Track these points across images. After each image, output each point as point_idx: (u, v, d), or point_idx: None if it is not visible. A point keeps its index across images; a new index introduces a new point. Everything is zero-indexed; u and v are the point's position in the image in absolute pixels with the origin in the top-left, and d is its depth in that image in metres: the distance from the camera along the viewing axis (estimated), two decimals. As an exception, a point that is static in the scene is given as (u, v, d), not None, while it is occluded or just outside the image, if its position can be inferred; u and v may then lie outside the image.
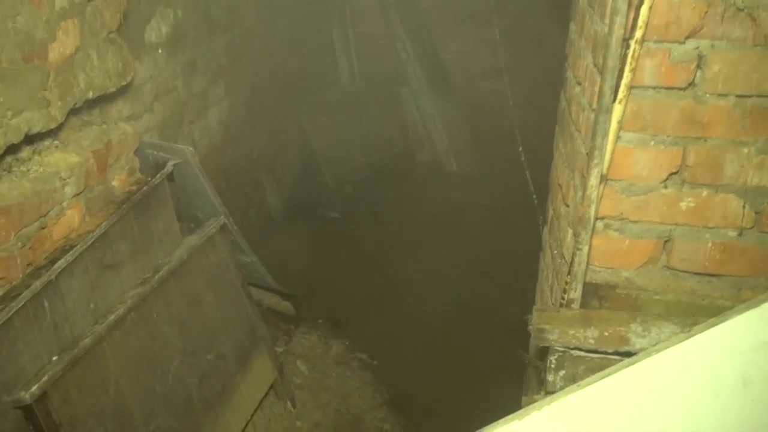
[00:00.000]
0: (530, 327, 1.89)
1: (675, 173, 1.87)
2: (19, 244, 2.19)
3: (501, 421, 1.42)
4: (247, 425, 3.03)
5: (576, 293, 1.95)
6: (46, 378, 2.09)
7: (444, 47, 6.06)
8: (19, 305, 2.11)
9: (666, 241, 1.94)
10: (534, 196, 3.20)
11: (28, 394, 2.03)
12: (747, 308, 1.36)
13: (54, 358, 2.18)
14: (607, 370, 1.40)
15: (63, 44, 2.33)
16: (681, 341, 1.39)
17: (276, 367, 3.32)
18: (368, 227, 5.16)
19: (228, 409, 2.93)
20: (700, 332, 1.37)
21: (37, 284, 2.19)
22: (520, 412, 1.43)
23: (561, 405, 1.37)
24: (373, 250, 4.90)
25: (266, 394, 3.22)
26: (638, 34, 1.74)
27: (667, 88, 1.81)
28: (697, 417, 1.32)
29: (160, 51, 3.49)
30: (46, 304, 2.23)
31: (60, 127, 2.43)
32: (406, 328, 4.06)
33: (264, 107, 5.04)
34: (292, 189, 5.51)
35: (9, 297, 2.12)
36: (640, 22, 1.72)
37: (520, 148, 3.63)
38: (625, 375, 1.35)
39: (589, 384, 1.38)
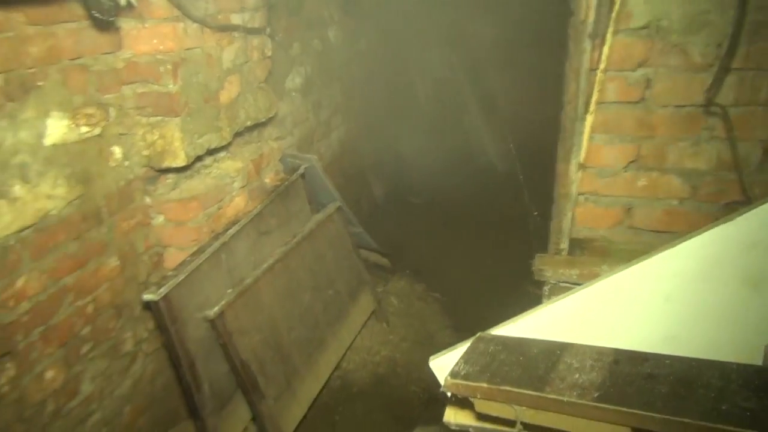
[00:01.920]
0: (533, 267, 1.91)
1: (633, 161, 1.84)
2: (205, 218, 2.35)
3: (504, 323, 1.44)
4: (356, 337, 3.11)
5: (564, 245, 1.94)
6: (223, 303, 2.22)
7: (491, 82, 5.98)
8: (206, 257, 2.27)
9: (628, 209, 1.90)
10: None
11: (212, 312, 2.17)
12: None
13: (228, 291, 2.30)
14: (577, 288, 1.39)
15: (229, 91, 2.47)
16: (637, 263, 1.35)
17: (375, 300, 3.38)
18: (441, 208, 5.18)
19: (343, 327, 3.01)
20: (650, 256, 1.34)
21: (216, 244, 2.33)
22: (517, 317, 1.45)
23: (543, 311, 1.37)
24: (444, 222, 4.93)
25: (369, 318, 3.29)
26: (602, 66, 1.73)
27: (625, 103, 1.79)
28: (629, 318, 1.30)
29: (295, 94, 3.61)
30: (223, 256, 2.38)
31: (229, 144, 2.56)
32: (467, 275, 4.07)
33: (369, 128, 5.09)
34: (389, 184, 5.56)
35: (199, 252, 2.28)
36: (603, 57, 1.71)
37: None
38: (587, 291, 1.34)
39: (564, 297, 1.38)
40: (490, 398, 1.07)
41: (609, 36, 1.67)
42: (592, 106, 1.76)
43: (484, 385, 1.08)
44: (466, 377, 1.11)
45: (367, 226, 3.92)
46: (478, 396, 1.09)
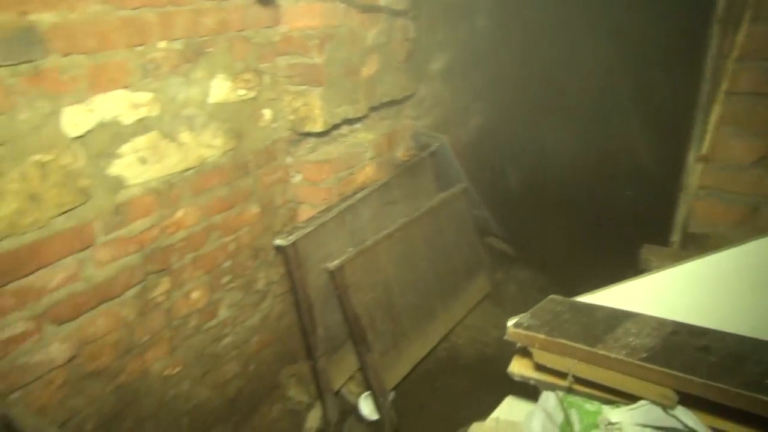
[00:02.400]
0: (641, 257, 1.87)
1: (764, 157, 1.72)
2: (336, 181, 2.60)
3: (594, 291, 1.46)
4: (467, 315, 3.20)
5: (676, 237, 1.87)
6: (343, 258, 2.43)
7: (650, 79, 5.64)
8: (332, 215, 2.51)
9: (755, 209, 1.78)
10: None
11: (332, 265, 2.40)
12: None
13: (349, 249, 2.51)
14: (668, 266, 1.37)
15: (369, 68, 2.68)
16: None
17: (492, 283, 3.44)
18: (579, 206, 5.01)
19: (456, 302, 3.12)
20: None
21: (343, 205, 2.57)
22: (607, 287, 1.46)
23: (629, 284, 1.38)
24: (580, 221, 4.77)
25: (483, 299, 3.36)
26: (735, 53, 1.64)
27: (758, 94, 1.67)
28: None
29: (435, 77, 3.75)
30: (348, 217, 2.60)
31: (365, 117, 2.78)
32: (594, 276, 3.94)
33: (511, 119, 5.07)
34: (526, 176, 5.49)
35: (327, 210, 2.53)
36: (737, 44, 1.62)
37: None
38: (675, 270, 1.33)
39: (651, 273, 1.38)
40: (547, 349, 1.14)
41: (745, 22, 1.58)
42: (720, 95, 1.67)
43: (542, 336, 1.15)
44: (527, 328, 1.18)
45: (497, 214, 3.96)
46: (536, 346, 1.16)
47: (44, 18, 1.51)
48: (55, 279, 1.64)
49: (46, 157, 1.56)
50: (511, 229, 4.19)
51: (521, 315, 1.42)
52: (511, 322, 1.44)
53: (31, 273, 1.57)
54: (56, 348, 1.68)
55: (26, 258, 1.55)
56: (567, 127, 5.63)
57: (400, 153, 3.06)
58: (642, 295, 1.31)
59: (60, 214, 1.62)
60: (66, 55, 1.58)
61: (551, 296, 1.37)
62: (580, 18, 5.23)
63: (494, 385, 2.95)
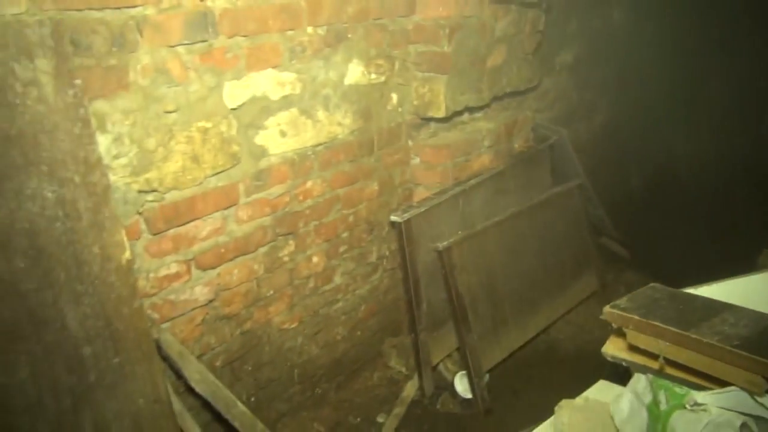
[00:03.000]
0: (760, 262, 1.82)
1: None
2: (452, 166, 2.71)
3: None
4: (570, 311, 3.20)
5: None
6: (452, 240, 2.55)
7: None
8: (445, 198, 2.63)
9: None
10: None
11: (440, 245, 2.52)
12: None
13: (459, 232, 2.63)
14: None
15: (495, 58, 2.75)
16: None
17: (600, 283, 3.40)
18: (707, 213, 4.74)
19: (559, 296, 3.13)
20: None
21: (457, 189, 2.67)
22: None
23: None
24: (707, 229, 4.51)
25: (588, 298, 3.33)
26: None
27: None
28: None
29: (562, 71, 3.72)
30: (460, 201, 2.70)
31: (487, 106, 2.87)
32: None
33: (639, 117, 4.88)
34: (651, 178, 5.27)
35: (441, 193, 2.64)
36: None
37: None
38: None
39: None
40: (640, 331, 1.18)
41: None
42: None
43: (636, 317, 1.19)
44: (623, 310, 1.23)
45: (615, 214, 3.88)
46: (630, 327, 1.21)
47: (217, 4, 1.75)
48: (205, 230, 1.91)
49: (208, 124, 1.82)
50: (629, 231, 4.08)
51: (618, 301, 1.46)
52: (607, 307, 1.49)
53: (187, 223, 1.85)
54: (200, 290, 1.96)
55: (184, 210, 1.83)
56: (694, 131, 5.32)
57: (518, 144, 3.10)
58: (750, 293, 1.31)
59: (213, 174, 1.88)
60: (231, 36, 1.82)
61: (652, 284, 1.40)
62: (718, 27, 4.90)
63: (591, 381, 2.96)
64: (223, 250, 1.99)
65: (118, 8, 1.53)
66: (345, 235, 2.49)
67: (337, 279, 2.52)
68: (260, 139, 2.00)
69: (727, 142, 5.32)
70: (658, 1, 4.44)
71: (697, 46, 5.12)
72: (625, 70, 4.45)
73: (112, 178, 1.61)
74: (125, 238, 1.60)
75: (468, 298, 2.61)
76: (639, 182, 5.21)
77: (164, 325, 1.88)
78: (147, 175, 1.70)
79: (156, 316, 1.84)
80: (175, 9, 1.65)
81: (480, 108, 2.83)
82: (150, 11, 1.60)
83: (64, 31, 1.41)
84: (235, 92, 1.87)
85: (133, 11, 1.57)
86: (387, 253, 2.73)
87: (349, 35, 2.21)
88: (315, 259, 2.38)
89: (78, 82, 1.45)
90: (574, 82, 3.91)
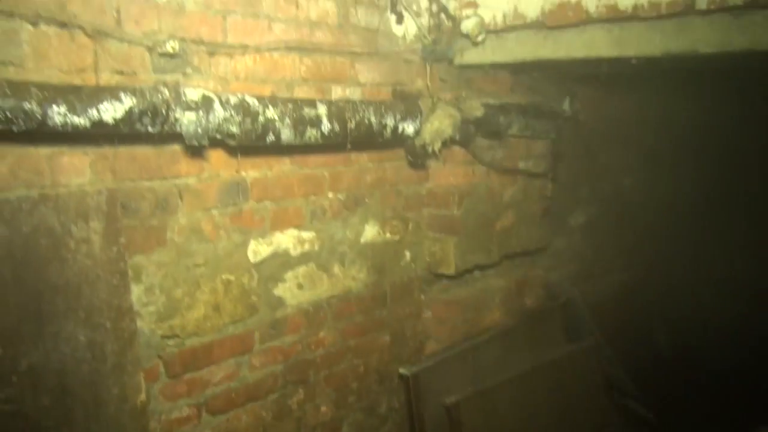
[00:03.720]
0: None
1: None
2: (462, 321, 2.82)
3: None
4: (588, 479, 3.07)
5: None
6: (460, 396, 2.57)
7: None
8: (455, 353, 2.70)
9: None
10: None
11: (449, 401, 2.55)
12: None
13: (468, 388, 2.65)
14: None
15: (504, 221, 2.96)
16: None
17: (620, 449, 3.28)
18: (746, 382, 4.59)
19: (576, 462, 3.03)
20: None
21: (467, 345, 2.75)
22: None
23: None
24: (744, 399, 4.35)
25: (609, 465, 3.20)
26: None
27: None
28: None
29: (575, 232, 3.91)
30: (470, 357, 2.76)
31: (497, 264, 3.03)
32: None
33: (662, 278, 4.93)
34: (680, 341, 5.18)
35: (451, 347, 2.73)
36: None
37: None
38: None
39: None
40: None
41: None
42: None
43: None
44: None
45: (640, 376, 3.82)
46: None
47: (250, 174, 2.04)
48: (219, 375, 2.03)
49: (231, 277, 2.02)
50: (656, 394, 3.98)
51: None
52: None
53: (203, 368, 1.98)
54: (207, 434, 2.03)
55: (202, 355, 1.97)
56: (723, 297, 5.32)
57: (530, 301, 3.21)
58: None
59: (232, 323, 2.04)
60: (260, 201, 2.08)
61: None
62: (739, 186, 5.14)
63: None
64: (234, 396, 2.09)
65: (165, 178, 1.82)
66: (355, 385, 2.56)
67: (345, 430, 2.55)
68: (278, 290, 2.19)
69: (759, 308, 5.28)
70: (669, 166, 4.73)
71: (713, 208, 5.31)
72: (641, 231, 4.62)
73: (139, 323, 1.79)
74: (143, 381, 1.74)
75: (476, 458, 2.57)
76: (666, 343, 5.14)
77: (168, 470, 1.93)
78: (171, 322, 1.87)
79: (162, 459, 1.91)
80: (213, 178, 1.94)
81: (491, 266, 2.99)
82: (192, 181, 1.88)
83: (117, 197, 1.68)
84: (259, 248, 2.10)
85: (177, 180, 1.85)
86: (397, 405, 2.76)
87: (367, 199, 2.47)
88: (323, 409, 2.44)
89: (122, 240, 1.69)
90: (589, 242, 4.08)
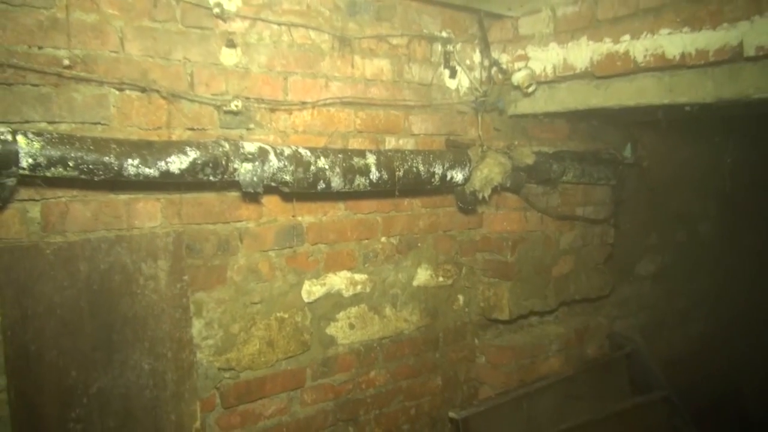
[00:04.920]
0: None
1: None
2: (517, 367, 2.76)
3: None
4: None
5: None
6: (513, 444, 2.55)
7: None
8: (508, 399, 2.65)
9: None
10: None
11: (501, 449, 2.53)
12: None
13: (523, 437, 2.63)
14: None
15: (561, 267, 2.91)
16: None
17: None
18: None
19: None
20: None
21: (521, 391, 2.69)
22: None
23: None
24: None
25: None
26: None
27: None
28: None
29: (645, 280, 3.75)
30: (524, 404, 2.70)
31: (554, 311, 2.97)
32: None
33: (741, 331, 4.59)
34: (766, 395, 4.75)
35: (505, 394, 2.69)
36: None
37: None
38: None
39: None
40: None
41: None
42: None
43: None
44: None
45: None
46: None
47: (306, 219, 2.17)
48: (271, 408, 2.12)
49: (285, 315, 2.13)
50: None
51: None
52: None
53: (256, 400, 2.08)
54: (259, 466, 2.11)
55: (255, 388, 2.07)
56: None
57: (592, 350, 3.10)
58: None
59: (285, 359, 2.14)
60: (314, 244, 2.20)
61: None
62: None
63: None
64: (285, 430, 2.17)
65: (227, 222, 1.97)
66: (406, 427, 2.57)
67: (396, 472, 2.55)
68: (331, 329, 2.27)
69: None
70: (747, 211, 4.45)
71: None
72: (722, 280, 4.35)
73: (199, 355, 1.92)
74: (199, 410, 1.86)
75: None
76: (754, 398, 4.73)
77: (222, 497, 2.02)
78: (228, 355, 2.00)
79: (215, 487, 2.01)
80: (271, 222, 2.08)
81: (548, 312, 2.94)
82: (251, 225, 2.03)
83: (183, 239, 1.85)
84: (313, 289, 2.20)
85: (238, 224, 2.00)
86: (449, 450, 2.72)
87: (419, 244, 2.53)
88: (373, 449, 2.46)
89: (186, 277, 1.84)
90: (661, 291, 3.89)
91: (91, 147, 1.53)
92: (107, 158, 1.54)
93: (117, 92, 1.73)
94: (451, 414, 2.56)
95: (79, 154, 1.51)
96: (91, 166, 1.53)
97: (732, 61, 1.93)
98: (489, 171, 2.38)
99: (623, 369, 3.17)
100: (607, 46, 2.21)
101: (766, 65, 1.90)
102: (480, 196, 2.42)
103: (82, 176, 1.54)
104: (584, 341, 3.06)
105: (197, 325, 1.91)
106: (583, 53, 2.30)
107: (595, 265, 3.10)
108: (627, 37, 2.15)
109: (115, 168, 1.56)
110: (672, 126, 3.32)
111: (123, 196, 1.77)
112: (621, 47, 2.17)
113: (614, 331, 3.30)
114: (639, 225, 3.60)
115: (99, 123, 1.71)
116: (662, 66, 2.10)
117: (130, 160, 1.57)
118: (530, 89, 2.45)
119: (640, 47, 2.12)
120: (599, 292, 3.13)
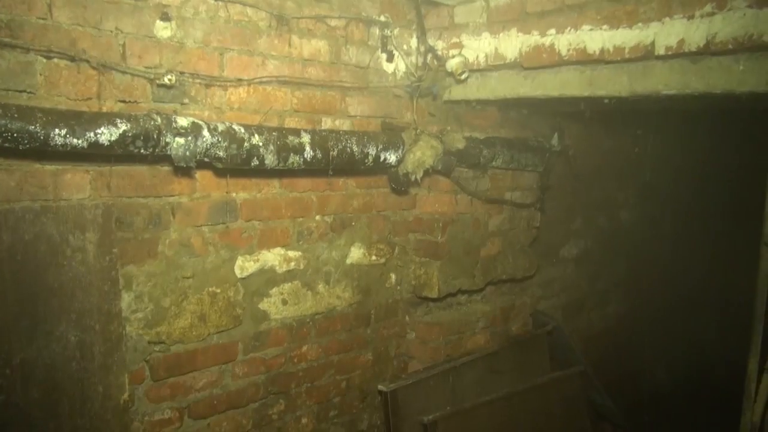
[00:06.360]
0: None
1: None
2: (445, 343, 2.89)
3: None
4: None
5: None
6: (438, 414, 2.65)
7: None
8: (435, 372, 2.77)
9: None
10: None
11: (426, 419, 2.62)
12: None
13: (447, 407, 2.74)
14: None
15: (489, 249, 3.05)
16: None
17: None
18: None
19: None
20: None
21: (447, 366, 2.82)
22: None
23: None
24: None
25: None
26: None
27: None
28: None
29: (568, 263, 3.96)
30: (450, 378, 2.83)
31: (482, 290, 3.11)
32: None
33: (656, 311, 4.92)
34: (681, 377, 5.13)
35: (432, 368, 2.81)
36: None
37: None
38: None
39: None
40: None
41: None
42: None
43: None
44: None
45: (635, 411, 3.80)
46: None
47: (240, 196, 2.18)
48: (201, 381, 2.14)
49: (217, 290, 2.15)
50: (651, 428, 3.97)
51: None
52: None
53: (187, 373, 2.10)
54: (189, 437, 2.14)
55: (186, 361, 2.09)
56: (730, 328, 5.25)
57: (516, 327, 3.26)
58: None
59: (216, 333, 2.17)
60: (248, 220, 2.22)
61: None
62: (738, 221, 5.11)
63: None
64: (215, 402, 2.20)
65: (159, 196, 1.97)
66: (337, 400, 2.65)
67: (326, 443, 2.63)
68: (263, 305, 2.31)
69: None
70: (667, 201, 4.76)
71: (712, 243, 5.30)
72: (638, 264, 4.64)
73: (128, 328, 1.92)
74: (127, 381, 1.86)
75: (452, 478, 2.62)
76: (664, 374, 5.09)
77: (150, 469, 2.04)
78: (158, 329, 2.00)
79: (143, 458, 2.02)
80: (204, 198, 2.08)
81: (475, 291, 3.07)
82: (184, 199, 2.03)
83: (113, 212, 1.84)
84: (246, 264, 2.23)
85: (170, 198, 2.00)
86: (378, 422, 2.83)
87: (353, 223, 2.59)
88: (304, 421, 2.52)
89: (115, 250, 1.83)
90: (583, 273, 4.12)
91: (16, 115, 1.50)
92: (33, 127, 1.51)
93: (44, 60, 1.69)
94: (380, 387, 2.66)
95: (3, 121, 1.47)
96: (15, 135, 1.50)
97: (645, 58, 2.08)
98: (422, 154, 2.46)
99: (545, 346, 3.36)
100: (534, 38, 2.32)
101: (673, 64, 2.05)
102: (413, 178, 2.50)
103: (6, 144, 1.51)
104: (509, 319, 3.22)
105: (127, 299, 1.91)
106: (513, 44, 2.40)
107: (522, 247, 3.25)
108: (553, 31, 2.26)
109: (41, 137, 1.53)
110: (596, 118, 3.51)
111: (50, 167, 1.74)
112: (547, 40, 2.28)
113: (538, 310, 3.48)
114: (564, 210, 3.79)
115: (25, 91, 1.66)
116: (584, 60, 2.22)
117: (57, 130, 1.55)
118: (463, 76, 2.54)
119: (564, 41, 2.23)
120: (525, 273, 3.29)
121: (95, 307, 1.79)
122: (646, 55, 2.05)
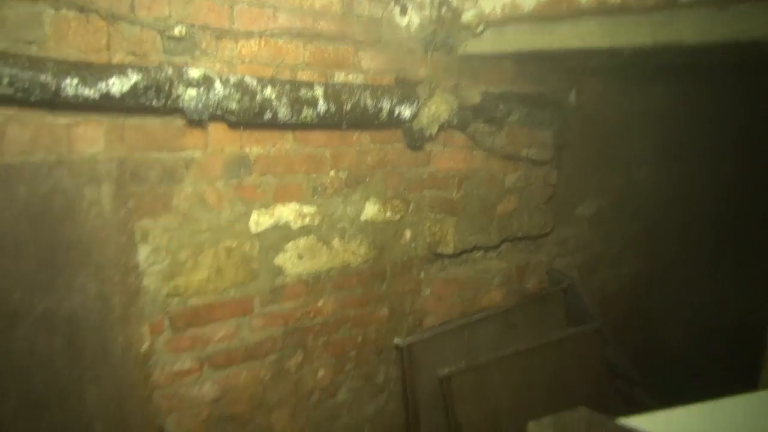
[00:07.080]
0: None
1: None
2: (460, 299, 2.88)
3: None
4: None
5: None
6: (453, 368, 2.65)
7: None
8: (450, 328, 2.77)
9: None
10: None
11: (441, 373, 2.64)
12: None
13: (462, 362, 2.75)
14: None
15: (505, 206, 3.00)
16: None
17: None
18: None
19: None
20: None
21: (463, 321, 2.82)
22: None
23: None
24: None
25: (603, 446, 3.20)
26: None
27: None
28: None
29: (583, 221, 3.90)
30: (466, 333, 2.83)
31: (497, 247, 3.08)
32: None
33: (668, 271, 4.86)
34: (693, 338, 5.10)
35: (447, 323, 2.81)
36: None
37: None
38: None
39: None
40: None
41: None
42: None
43: None
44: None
45: (649, 369, 3.78)
46: None
47: (254, 150, 2.15)
48: (220, 333, 2.16)
49: (233, 244, 2.14)
50: (664, 386, 3.95)
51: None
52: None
53: (205, 325, 2.11)
54: (208, 387, 2.16)
55: (204, 313, 2.10)
56: (741, 286, 5.18)
57: (531, 285, 3.24)
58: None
59: (233, 286, 2.17)
60: (262, 174, 2.19)
61: (580, 408, 1.45)
62: (755, 184, 4.99)
63: None
64: (234, 353, 2.22)
65: (173, 150, 1.95)
66: (353, 353, 2.66)
67: (342, 395, 2.65)
68: (279, 260, 2.30)
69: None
70: (684, 160, 4.64)
71: (728, 204, 5.19)
72: (652, 223, 4.56)
73: (146, 281, 1.92)
74: (147, 332, 1.88)
75: (468, 430, 2.64)
76: (676, 334, 5.06)
77: (171, 417, 2.08)
78: (176, 282, 2.01)
79: (165, 405, 2.05)
80: (217, 153, 2.06)
81: (492, 248, 3.04)
82: (197, 154, 2.01)
83: (128, 166, 1.82)
84: (261, 219, 2.21)
85: (183, 153, 1.98)
86: (394, 376, 2.84)
87: (368, 179, 2.56)
88: (321, 373, 2.54)
89: (130, 204, 1.82)
90: (598, 232, 4.06)
91: (27, 64, 1.47)
92: (44, 76, 1.49)
93: (53, 11, 1.65)
94: (396, 341, 2.66)
95: (14, 71, 1.45)
96: (27, 85, 1.47)
97: (668, 6, 1.98)
98: (437, 108, 2.41)
99: (560, 303, 3.33)
100: (553, -14, 2.22)
101: (699, 12, 1.95)
102: (427, 133, 2.45)
103: (18, 95, 1.48)
104: (525, 276, 3.19)
105: (143, 252, 1.91)
106: (530, -7, 2.30)
107: (537, 204, 3.20)
108: (572, -22, 2.15)
109: (53, 88, 1.51)
110: (614, 74, 3.40)
111: (63, 120, 1.71)
112: (566, -12, 2.18)
113: (553, 267, 3.44)
114: (580, 169, 3.71)
115: (33, 43, 1.63)
116: (605, 10, 2.12)
117: (68, 80, 1.52)
118: (479, 29, 2.45)
119: (584, -11, 2.13)
120: (540, 230, 3.24)
121: (113, 260, 1.79)
122: (669, 2, 1.95)
